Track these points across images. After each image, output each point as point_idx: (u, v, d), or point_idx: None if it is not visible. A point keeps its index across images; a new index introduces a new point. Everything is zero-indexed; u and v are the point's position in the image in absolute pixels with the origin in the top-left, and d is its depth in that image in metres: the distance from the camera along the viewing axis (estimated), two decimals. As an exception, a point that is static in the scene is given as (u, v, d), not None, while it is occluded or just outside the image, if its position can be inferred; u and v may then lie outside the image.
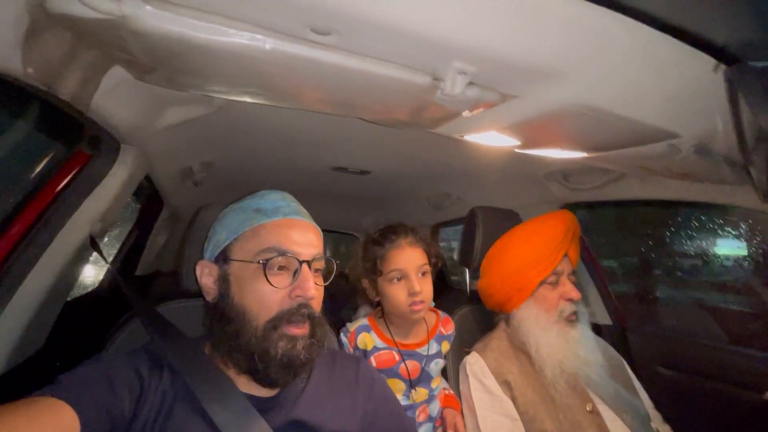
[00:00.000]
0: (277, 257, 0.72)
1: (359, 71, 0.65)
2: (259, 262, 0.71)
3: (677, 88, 0.71)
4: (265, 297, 0.71)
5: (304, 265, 0.72)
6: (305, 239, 0.75)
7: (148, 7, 0.50)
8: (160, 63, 0.65)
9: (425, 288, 1.08)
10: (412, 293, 1.06)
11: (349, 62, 0.64)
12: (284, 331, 0.70)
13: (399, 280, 1.08)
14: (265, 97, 0.78)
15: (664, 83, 0.70)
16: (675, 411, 1.21)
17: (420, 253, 1.10)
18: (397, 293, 1.08)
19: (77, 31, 0.58)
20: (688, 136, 0.84)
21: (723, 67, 0.64)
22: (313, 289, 0.71)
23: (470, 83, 0.70)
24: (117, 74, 0.77)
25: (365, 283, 1.16)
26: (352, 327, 1.16)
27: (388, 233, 1.12)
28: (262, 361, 0.69)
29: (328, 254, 0.80)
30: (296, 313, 0.70)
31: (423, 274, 1.10)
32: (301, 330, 0.71)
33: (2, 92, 0.78)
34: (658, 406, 1.19)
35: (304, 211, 0.82)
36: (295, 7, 0.52)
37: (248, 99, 0.79)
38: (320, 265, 0.78)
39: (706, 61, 0.65)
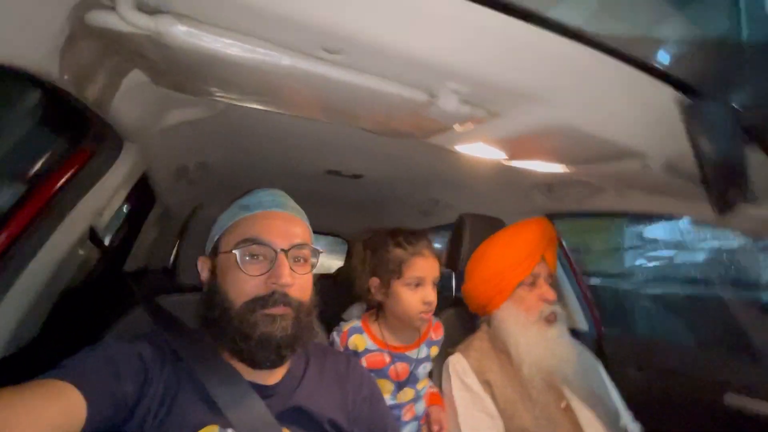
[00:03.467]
0: (251, 246, 0.75)
1: (363, 87, 0.72)
2: (232, 251, 0.75)
3: (644, 114, 0.80)
4: (240, 284, 0.74)
5: (280, 254, 0.75)
6: (283, 229, 0.78)
7: (180, 25, 0.56)
8: (181, 71, 0.70)
9: (435, 298, 1.11)
10: (426, 302, 1.08)
11: (354, 78, 0.70)
12: (262, 312, 0.72)
13: (416, 286, 1.09)
14: (276, 105, 0.84)
15: (632, 109, 0.79)
16: (645, 411, 1.28)
17: (437, 264, 1.13)
18: (411, 299, 1.09)
19: (107, 40, 0.64)
20: (656, 156, 0.93)
21: (682, 98, 0.74)
22: (288, 277, 0.73)
23: (462, 101, 0.77)
24: (135, 77, 0.82)
25: (375, 281, 1.15)
26: (345, 327, 1.17)
27: (410, 238, 1.13)
28: (243, 342, 0.72)
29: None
30: (270, 298, 0.72)
31: (434, 284, 1.13)
32: (279, 310, 0.73)
33: (10, 86, 0.80)
34: (630, 406, 1.26)
35: (291, 204, 0.85)
36: (310, 29, 0.59)
37: (258, 106, 0.85)
38: (303, 253, 0.80)
39: (670, 92, 0.74)
